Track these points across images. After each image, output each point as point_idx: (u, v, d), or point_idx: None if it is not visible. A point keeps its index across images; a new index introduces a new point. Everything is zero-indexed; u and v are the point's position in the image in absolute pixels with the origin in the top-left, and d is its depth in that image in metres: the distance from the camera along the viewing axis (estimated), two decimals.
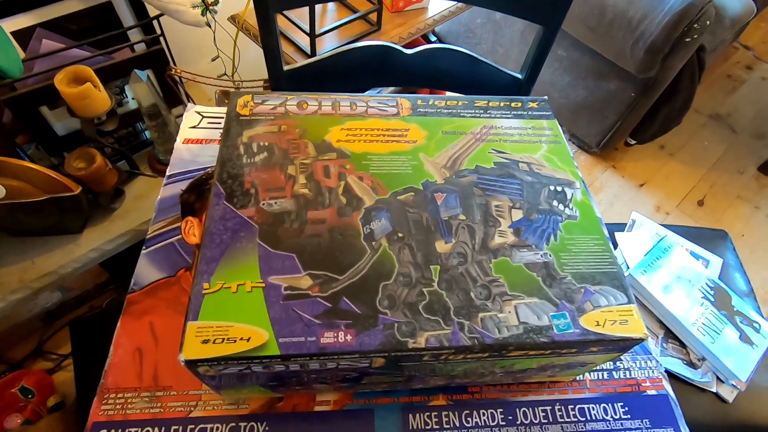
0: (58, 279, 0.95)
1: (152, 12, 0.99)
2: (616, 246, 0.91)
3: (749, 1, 1.48)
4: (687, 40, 1.17)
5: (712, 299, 0.82)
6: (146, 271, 0.47)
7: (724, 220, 1.54)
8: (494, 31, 1.62)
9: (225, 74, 1.14)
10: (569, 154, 0.43)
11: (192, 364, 0.29)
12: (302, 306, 0.31)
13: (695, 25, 1.14)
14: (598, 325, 0.33)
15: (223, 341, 0.29)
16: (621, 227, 0.96)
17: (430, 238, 0.36)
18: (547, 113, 0.46)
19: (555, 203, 0.39)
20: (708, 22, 1.15)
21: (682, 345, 0.79)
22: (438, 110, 0.45)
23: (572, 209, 0.39)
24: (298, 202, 0.36)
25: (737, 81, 1.98)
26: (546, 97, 0.47)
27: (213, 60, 1.09)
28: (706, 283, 0.84)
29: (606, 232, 0.39)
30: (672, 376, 0.76)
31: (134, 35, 1.06)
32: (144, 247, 0.49)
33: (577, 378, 0.44)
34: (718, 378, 0.77)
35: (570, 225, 0.38)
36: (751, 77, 2.01)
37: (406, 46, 1.12)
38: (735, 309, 0.82)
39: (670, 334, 0.80)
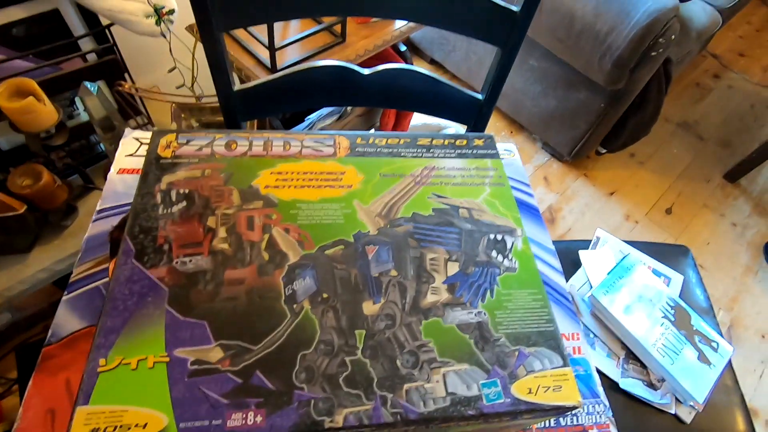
0: (4, 302, 0.90)
1: (104, 21, 0.94)
2: (579, 264, 0.90)
3: (715, 13, 1.50)
4: (653, 53, 1.17)
5: (672, 319, 0.82)
6: (66, 320, 0.44)
7: (690, 228, 1.57)
8: (468, 38, 1.60)
9: (183, 85, 1.09)
10: (512, 197, 0.41)
11: None
12: (209, 383, 0.29)
13: (660, 40, 1.14)
14: (530, 393, 0.31)
15: (115, 429, 0.26)
16: (586, 244, 0.95)
17: (357, 299, 0.33)
18: (492, 152, 0.44)
19: (494, 254, 0.37)
20: (673, 37, 1.16)
21: (643, 366, 0.79)
22: (378, 150, 0.42)
23: (511, 260, 0.37)
24: (215, 259, 0.34)
25: (705, 89, 2.02)
26: (492, 134, 0.45)
27: (170, 71, 1.04)
28: (667, 302, 0.84)
29: (547, 275, 0.37)
30: (631, 398, 0.76)
31: (85, 44, 1.01)
32: (66, 293, 0.46)
33: (522, 429, 0.42)
34: (677, 399, 0.77)
35: (508, 278, 0.36)
36: (718, 85, 2.04)
37: (374, 58, 1.10)
38: (694, 328, 0.82)
39: (631, 355, 0.80)
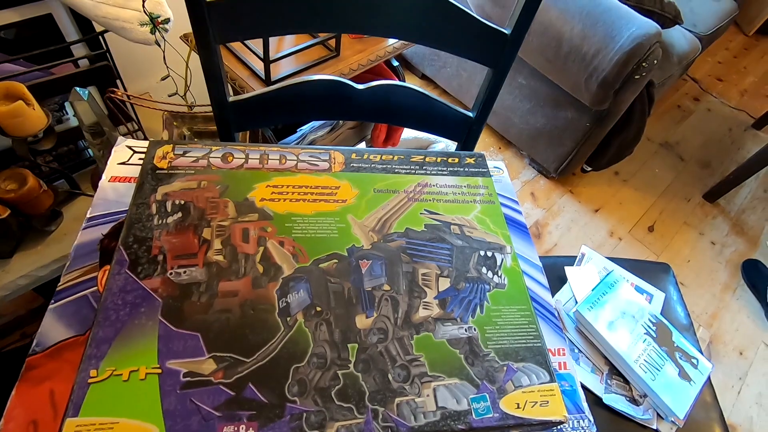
0: None
1: (98, 27, 0.94)
2: (565, 280, 0.92)
3: (695, 40, 1.56)
4: (636, 77, 1.22)
5: (654, 335, 0.84)
6: (52, 328, 0.43)
7: (672, 245, 1.61)
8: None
9: (177, 93, 1.09)
10: (502, 215, 0.42)
11: None
12: (202, 396, 0.29)
13: (644, 63, 1.19)
14: (518, 407, 0.32)
15: None
16: (571, 260, 0.97)
17: (350, 312, 0.34)
18: (483, 170, 0.45)
19: (484, 270, 0.38)
20: (656, 61, 1.21)
21: (626, 381, 0.81)
22: (372, 165, 0.43)
23: (501, 277, 0.38)
24: (210, 271, 0.34)
25: (686, 111, 2.09)
26: (483, 153, 0.47)
27: (163, 79, 1.04)
28: (649, 319, 0.86)
29: (534, 291, 0.38)
30: (614, 413, 0.77)
31: (78, 50, 1.01)
32: (52, 301, 0.45)
33: None
34: (658, 414, 0.78)
35: (497, 294, 0.37)
36: (698, 108, 2.12)
37: (367, 72, 1.11)
38: (675, 345, 0.84)
39: (614, 371, 0.81)
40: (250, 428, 0.28)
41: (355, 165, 0.43)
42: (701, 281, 1.54)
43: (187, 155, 0.40)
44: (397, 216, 0.40)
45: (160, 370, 0.29)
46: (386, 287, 0.35)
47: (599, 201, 1.68)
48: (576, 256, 0.98)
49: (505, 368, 0.33)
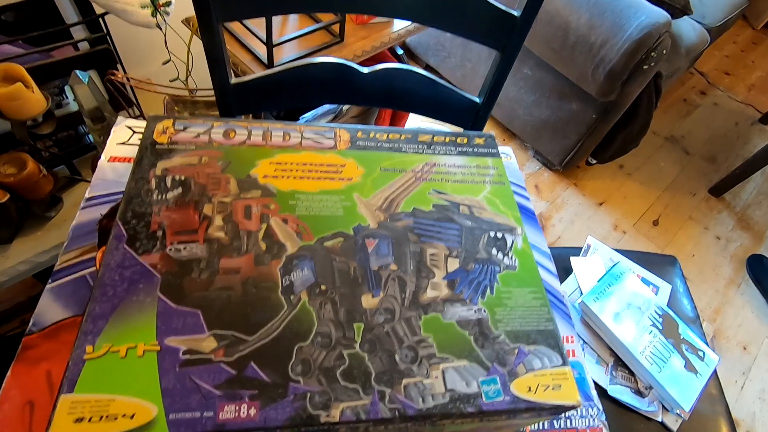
0: None
1: (98, 9, 0.93)
2: (570, 271, 0.91)
3: (704, 31, 1.54)
4: (644, 67, 1.19)
5: (660, 327, 0.83)
6: (49, 309, 0.42)
7: (676, 240, 1.60)
8: (463, 45, 1.62)
9: (178, 78, 1.08)
10: (512, 196, 0.41)
11: None
12: (202, 374, 0.28)
13: (652, 54, 1.17)
14: (530, 391, 0.31)
15: (101, 419, 0.25)
16: (577, 251, 0.96)
17: (356, 292, 0.33)
18: (492, 151, 0.44)
19: (494, 252, 0.37)
20: (664, 51, 1.19)
21: (631, 373, 0.80)
22: (379, 144, 0.42)
23: (511, 258, 0.37)
24: (210, 247, 0.33)
25: (692, 105, 2.07)
26: (492, 133, 0.45)
27: (164, 63, 1.02)
28: (655, 311, 0.85)
29: (543, 279, 0.37)
30: (619, 405, 0.76)
31: (78, 33, 0.99)
32: (50, 281, 0.44)
33: (518, 431, 0.42)
34: (663, 407, 0.77)
35: (508, 276, 0.36)
36: (704, 102, 2.10)
37: (370, 60, 1.09)
38: (681, 337, 0.83)
39: (619, 362, 0.80)
40: (252, 407, 0.27)
41: (360, 143, 0.42)
42: (705, 276, 1.52)
43: (187, 130, 0.39)
44: (405, 195, 0.39)
45: (158, 348, 0.28)
46: (393, 267, 0.34)
47: (603, 194, 1.67)
48: (581, 248, 0.96)
49: (516, 351, 0.32)
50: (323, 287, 0.32)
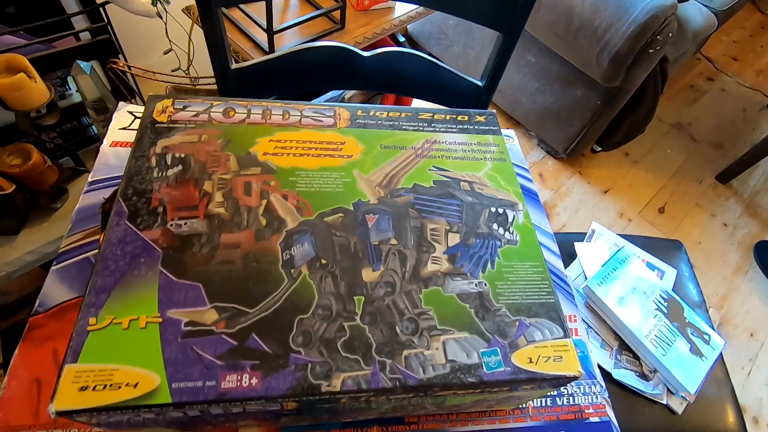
0: None
1: None
2: (574, 256, 0.90)
3: (711, 15, 1.51)
4: (650, 51, 1.18)
5: (665, 311, 0.82)
6: (54, 290, 0.43)
7: (682, 227, 1.58)
8: (466, 33, 1.60)
9: (179, 68, 1.08)
10: (514, 172, 0.41)
11: (67, 415, 0.25)
12: (203, 344, 0.28)
13: (658, 37, 1.15)
14: (531, 362, 0.31)
15: (105, 388, 0.26)
16: (581, 237, 0.96)
17: (356, 266, 0.33)
18: (494, 128, 0.44)
19: (495, 227, 0.37)
20: (671, 34, 1.17)
21: (636, 357, 0.79)
22: (379, 122, 0.42)
23: (512, 233, 0.37)
24: (211, 223, 0.33)
25: (699, 91, 2.04)
26: (494, 111, 0.45)
27: (165, 53, 1.02)
28: (660, 295, 0.84)
29: (545, 258, 0.37)
30: (624, 388, 0.76)
31: (79, 23, 0.99)
32: (55, 263, 0.45)
33: (520, 405, 0.42)
34: (668, 390, 0.77)
35: (509, 251, 0.36)
36: (712, 88, 2.07)
37: (371, 47, 1.09)
38: (687, 321, 0.83)
39: (624, 346, 0.80)
40: (254, 377, 0.27)
41: (360, 121, 0.41)
42: (712, 263, 1.51)
43: (187, 109, 0.39)
44: (405, 172, 0.38)
45: (160, 319, 0.28)
46: (393, 241, 0.34)
47: (609, 182, 1.65)
48: (586, 233, 0.96)
49: (517, 323, 0.32)
50: (324, 261, 0.32)
